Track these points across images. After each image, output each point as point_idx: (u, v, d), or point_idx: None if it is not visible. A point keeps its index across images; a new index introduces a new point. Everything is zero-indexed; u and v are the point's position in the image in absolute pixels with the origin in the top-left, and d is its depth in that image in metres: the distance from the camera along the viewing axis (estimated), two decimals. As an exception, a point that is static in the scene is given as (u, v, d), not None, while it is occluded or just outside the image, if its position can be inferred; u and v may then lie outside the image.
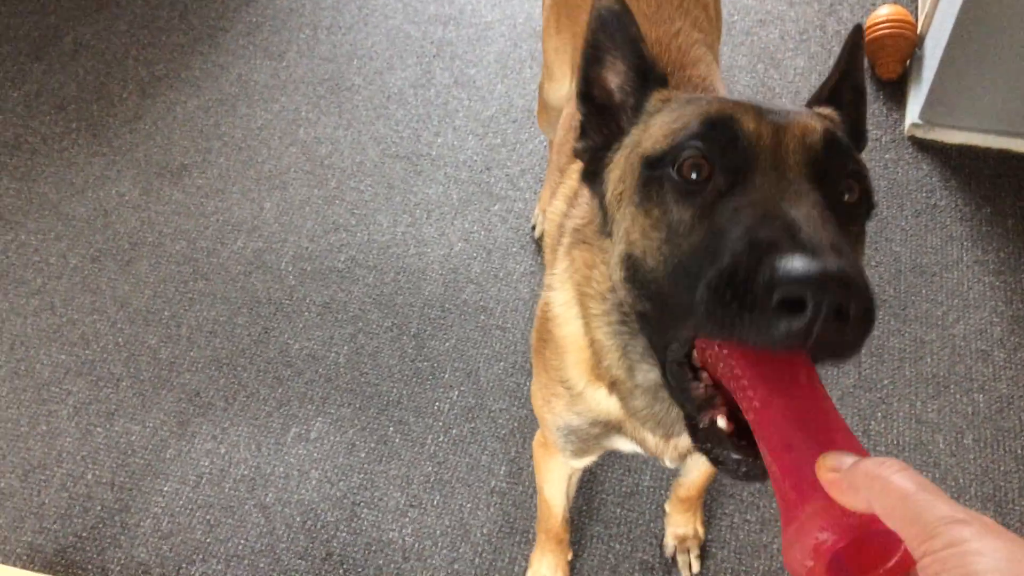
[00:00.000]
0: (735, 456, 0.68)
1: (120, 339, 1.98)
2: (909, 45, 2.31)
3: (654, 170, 0.76)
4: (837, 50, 2.38)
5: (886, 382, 1.85)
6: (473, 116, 2.36)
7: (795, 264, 0.58)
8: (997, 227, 2.08)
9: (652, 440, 1.03)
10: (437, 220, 2.15)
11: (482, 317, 1.98)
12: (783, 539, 0.57)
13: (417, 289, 2.03)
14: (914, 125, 2.24)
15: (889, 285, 1.99)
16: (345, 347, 1.95)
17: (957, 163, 2.20)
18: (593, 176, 0.90)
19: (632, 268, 0.78)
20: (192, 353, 1.95)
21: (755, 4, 2.60)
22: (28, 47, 2.57)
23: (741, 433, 0.69)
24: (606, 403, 1.05)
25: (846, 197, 0.73)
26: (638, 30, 0.89)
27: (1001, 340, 1.90)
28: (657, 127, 0.81)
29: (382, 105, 2.40)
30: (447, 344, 1.94)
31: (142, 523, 1.71)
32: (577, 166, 1.28)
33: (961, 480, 1.72)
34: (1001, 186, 2.15)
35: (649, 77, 0.89)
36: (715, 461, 0.70)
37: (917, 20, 2.39)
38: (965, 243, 2.05)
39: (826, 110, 0.88)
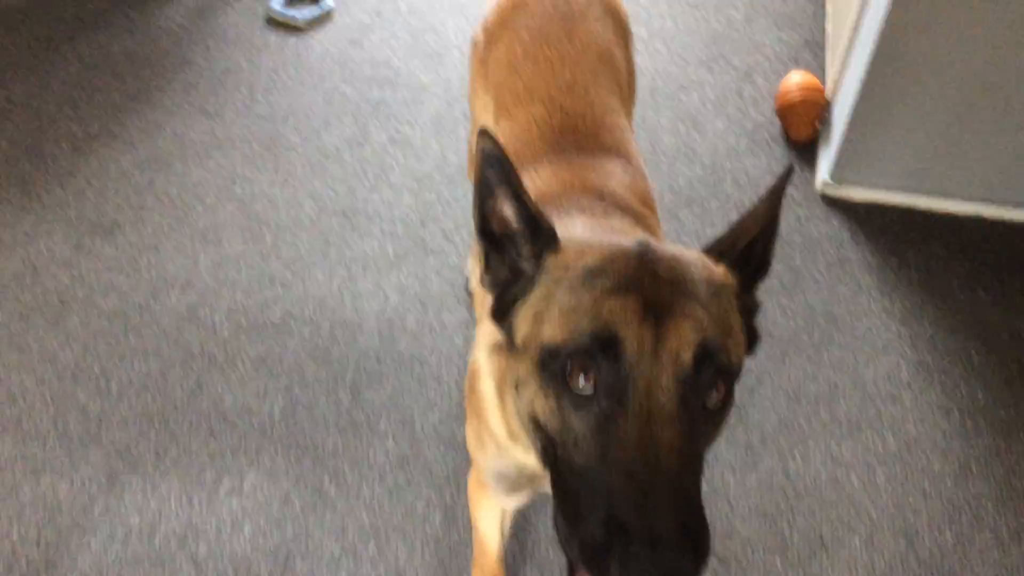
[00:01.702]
0: None
1: (48, 395, 1.95)
2: (819, 109, 2.48)
3: (551, 360, 0.85)
4: (753, 114, 2.55)
5: (803, 424, 1.94)
6: (409, 173, 2.43)
7: (637, 559, 0.74)
8: (902, 278, 2.21)
9: None
10: (373, 274, 2.20)
11: (417, 368, 2.02)
12: None
13: (353, 341, 2.06)
14: (825, 183, 2.39)
15: (804, 333, 2.10)
16: (280, 399, 1.96)
17: (865, 218, 2.34)
18: (501, 315, 0.95)
19: (537, 429, 0.89)
20: (122, 408, 1.94)
21: (677, 71, 2.75)
22: (-42, 104, 2.56)
23: None
24: (525, 458, 1.10)
25: (709, 405, 0.84)
26: (519, 180, 0.92)
27: (908, 383, 2.01)
28: (556, 315, 0.87)
29: (318, 163, 2.45)
30: (383, 395, 1.97)
31: (69, 581, 1.67)
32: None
33: (874, 515, 1.80)
34: (905, 240, 2.30)
35: (539, 229, 0.92)
36: None
37: (826, 86, 2.56)
38: (873, 293, 2.18)
39: (720, 273, 0.92)
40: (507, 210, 0.94)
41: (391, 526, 1.77)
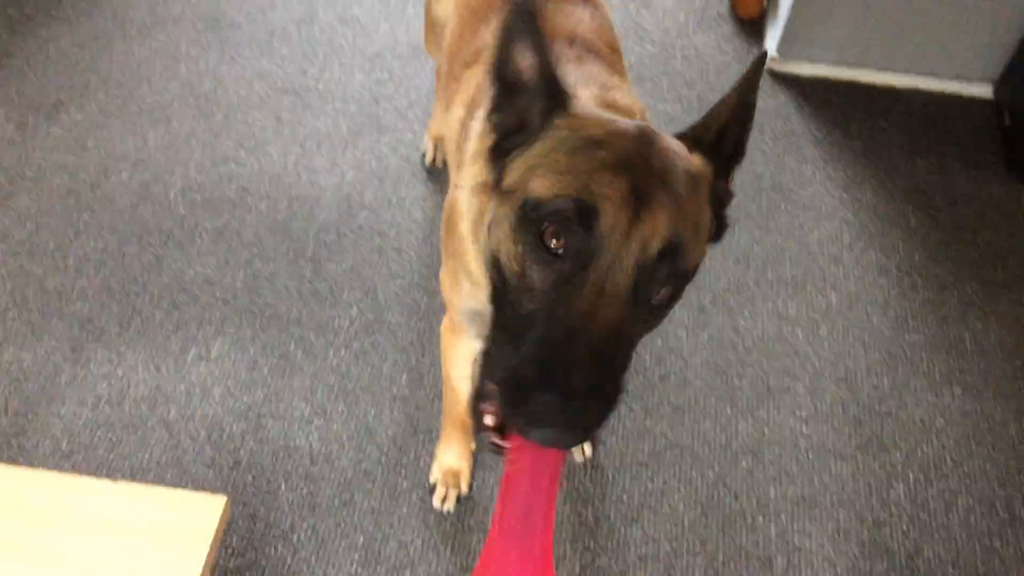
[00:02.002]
0: (489, 445, 0.91)
1: (3, 271, 1.93)
2: (765, -14, 2.50)
3: (532, 211, 0.88)
4: (701, -9, 2.55)
5: (751, 285, 2.03)
6: (359, 52, 2.40)
7: (546, 404, 0.80)
8: (845, 148, 2.29)
9: None
10: (328, 151, 2.19)
11: (377, 240, 2.04)
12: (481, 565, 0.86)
13: (311, 216, 2.07)
14: (772, 59, 2.43)
15: (752, 201, 2.17)
16: (241, 272, 1.97)
17: (810, 92, 2.41)
18: (496, 155, 0.98)
19: (495, 268, 0.94)
20: (81, 283, 1.93)
21: (625, -50, 2.74)
22: None
23: (500, 430, 0.89)
24: None
25: (655, 300, 0.88)
26: (544, 37, 0.94)
27: (850, 245, 2.11)
28: (549, 172, 0.90)
29: (266, 41, 2.41)
30: (344, 266, 1.99)
31: (41, 444, 1.69)
32: (473, 73, 1.36)
33: (817, 365, 1.91)
34: (849, 112, 2.37)
35: (555, 89, 0.95)
36: (475, 430, 0.93)
37: (772, -36, 2.58)
38: (818, 163, 2.26)
39: (697, 163, 0.95)
40: (526, 61, 0.96)
41: (359, 387, 1.82)
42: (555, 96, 0.95)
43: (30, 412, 1.73)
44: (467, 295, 1.26)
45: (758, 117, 2.31)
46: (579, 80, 1.22)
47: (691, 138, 0.97)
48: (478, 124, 1.21)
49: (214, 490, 1.65)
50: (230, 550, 1.60)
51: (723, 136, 0.98)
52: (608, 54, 1.35)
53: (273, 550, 1.61)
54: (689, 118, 2.32)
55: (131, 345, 1.84)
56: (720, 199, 0.99)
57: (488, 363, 0.91)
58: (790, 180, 2.21)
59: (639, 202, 0.85)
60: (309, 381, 1.82)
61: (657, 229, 0.85)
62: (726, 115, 0.97)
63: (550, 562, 0.87)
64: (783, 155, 2.26)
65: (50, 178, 2.09)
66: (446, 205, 1.28)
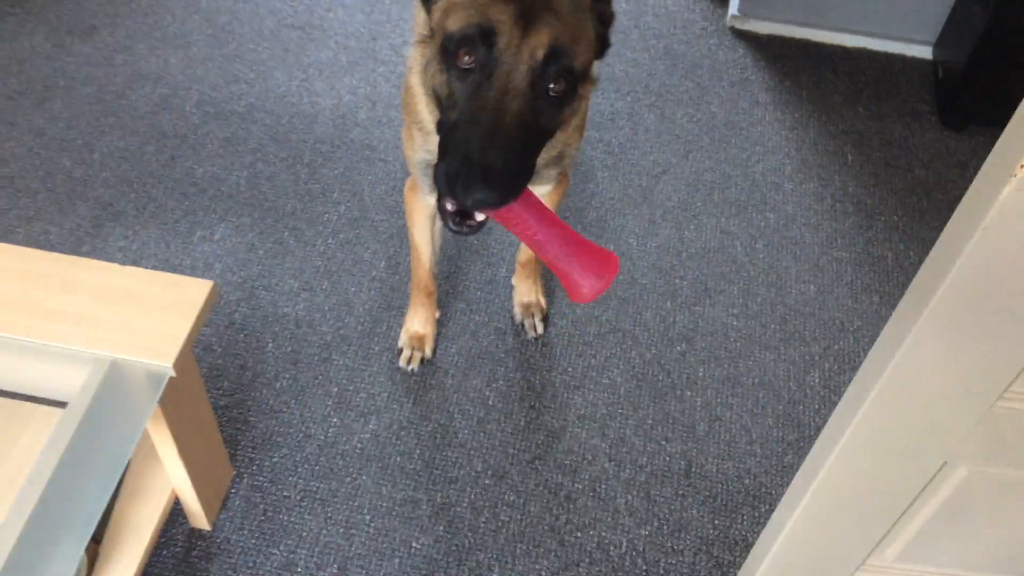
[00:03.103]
0: (452, 224, 1.21)
1: (36, 161, 2.19)
2: (733, -45, 2.75)
3: (448, 42, 1.15)
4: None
5: (699, 204, 2.26)
6: (361, -3, 2.67)
7: (469, 175, 1.08)
8: (794, 95, 2.54)
9: None
10: (328, 77, 2.45)
11: (367, 152, 2.29)
12: (574, 284, 1.16)
13: (310, 129, 2.33)
14: (734, 17, 2.68)
15: (706, 135, 2.41)
16: (245, 172, 2.22)
17: (767, 48, 2.65)
18: (427, 4, 1.26)
19: (435, 98, 1.22)
20: (104, 173, 2.19)
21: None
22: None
23: (461, 215, 1.20)
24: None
25: (552, 92, 1.15)
26: None
27: (791, 175, 2.35)
28: (458, 10, 1.16)
29: (278, -15, 2.68)
30: (336, 171, 2.25)
31: (63, 297, 1.94)
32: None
33: (752, 272, 2.14)
34: (799, 66, 2.62)
35: None
36: (443, 221, 1.22)
37: (740, -64, 2.84)
38: (768, 107, 2.50)
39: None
40: None
41: (342, 269, 2.07)
42: None
43: (55, 273, 1.99)
44: (419, 147, 1.51)
45: (718, 66, 2.57)
46: None
47: None
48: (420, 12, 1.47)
49: (209, 344, 1.91)
50: (221, 391, 1.85)
51: None
52: None
53: (259, 393, 1.86)
54: (656, 66, 2.58)
55: (145, 225, 2.10)
56: (603, 19, 1.25)
57: (437, 171, 1.17)
58: (741, 119, 2.46)
59: (527, 21, 1.13)
60: (299, 263, 2.07)
61: (540, 39, 1.13)
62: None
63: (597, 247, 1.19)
64: (737, 99, 2.51)
65: (81, 88, 2.36)
66: (404, 77, 1.53)
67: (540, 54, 1.12)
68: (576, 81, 1.18)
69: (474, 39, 1.13)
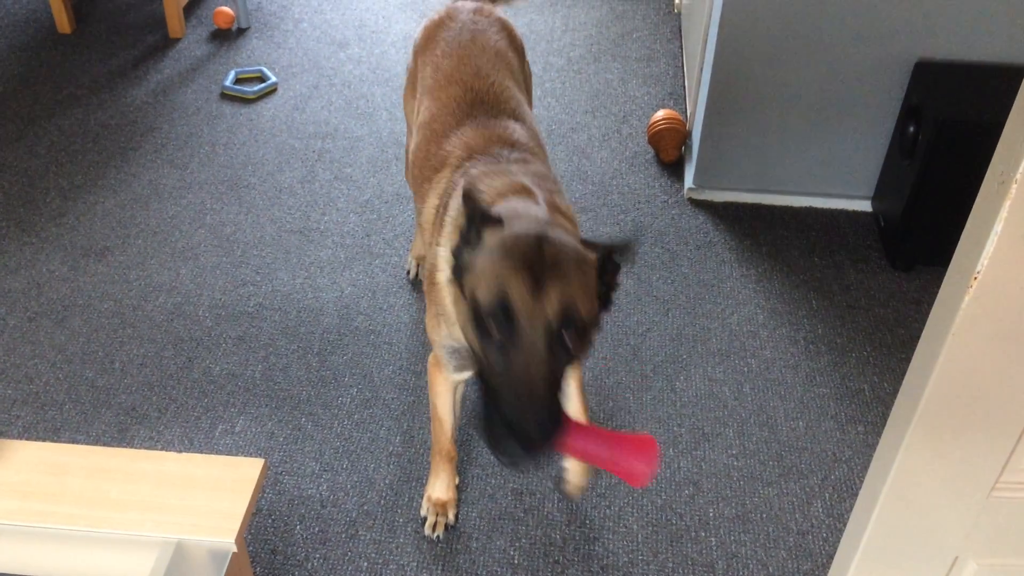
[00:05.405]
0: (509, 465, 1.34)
1: (60, 375, 2.31)
2: (682, 136, 3.10)
3: (478, 310, 1.31)
4: (631, 145, 3.16)
5: (685, 356, 2.44)
6: (353, 200, 2.92)
7: (512, 448, 1.26)
8: (755, 252, 2.79)
9: None
10: (329, 273, 2.65)
11: (372, 337, 2.46)
12: (628, 477, 1.34)
13: (317, 321, 2.50)
14: (691, 189, 2.98)
15: (681, 295, 2.63)
16: (259, 366, 2.36)
17: (724, 213, 2.93)
18: (458, 274, 1.43)
19: (465, 338, 1.41)
20: (126, 380, 2.31)
21: (568, 118, 3.36)
22: (-44, 166, 2.97)
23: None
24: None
25: (569, 348, 1.31)
26: (482, 202, 1.42)
27: (764, 323, 2.55)
28: (482, 285, 1.32)
29: (275, 196, 2.93)
30: (345, 358, 2.40)
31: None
32: (441, 175, 1.85)
33: (743, 414, 2.29)
34: (756, 227, 2.89)
35: (485, 218, 1.37)
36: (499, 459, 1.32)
37: (686, 118, 3.20)
38: (734, 264, 2.74)
39: (591, 257, 1.37)
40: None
41: (360, 448, 2.17)
42: (485, 220, 1.39)
43: (84, 478, 2.06)
44: (445, 334, 1.67)
45: (683, 232, 2.83)
46: (531, 180, 1.67)
47: (592, 246, 1.41)
48: (452, 212, 1.67)
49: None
50: (255, 577, 1.90)
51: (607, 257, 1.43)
52: (540, 152, 1.85)
53: (291, 575, 1.91)
54: (627, 237, 2.82)
55: (168, 425, 2.20)
56: (608, 285, 1.42)
57: (484, 431, 1.31)
58: (711, 277, 2.68)
59: (539, 287, 1.29)
60: (318, 445, 2.17)
61: (553, 306, 1.29)
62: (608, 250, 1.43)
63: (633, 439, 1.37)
64: (705, 259, 2.75)
65: (98, 304, 2.52)
66: (428, 261, 1.72)
67: (555, 322, 1.27)
68: (587, 330, 1.34)
69: (499, 316, 1.28)
